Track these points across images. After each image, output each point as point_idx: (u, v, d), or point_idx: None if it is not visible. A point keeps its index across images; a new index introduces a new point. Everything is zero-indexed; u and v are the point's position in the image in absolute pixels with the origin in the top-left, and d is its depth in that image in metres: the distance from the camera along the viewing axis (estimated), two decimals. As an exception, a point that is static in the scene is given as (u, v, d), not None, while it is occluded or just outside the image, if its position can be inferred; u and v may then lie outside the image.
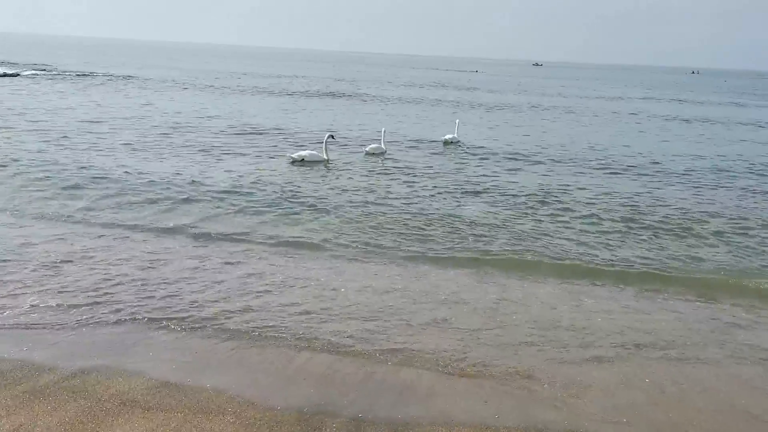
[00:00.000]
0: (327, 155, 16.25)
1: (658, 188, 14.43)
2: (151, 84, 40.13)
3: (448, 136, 19.52)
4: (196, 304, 7.01)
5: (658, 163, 18.01)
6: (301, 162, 15.83)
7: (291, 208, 11.31)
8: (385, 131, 18.50)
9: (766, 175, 16.77)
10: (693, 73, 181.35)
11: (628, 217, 11.49)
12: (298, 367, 5.77)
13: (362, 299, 7.43)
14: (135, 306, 6.88)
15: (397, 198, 12.45)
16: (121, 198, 11.36)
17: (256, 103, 31.64)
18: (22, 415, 4.78)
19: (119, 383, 5.29)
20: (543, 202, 12.41)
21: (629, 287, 8.16)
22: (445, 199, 12.54)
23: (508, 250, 9.34)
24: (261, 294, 7.42)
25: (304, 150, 16.62)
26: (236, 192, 12.30)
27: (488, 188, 13.54)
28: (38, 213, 10.21)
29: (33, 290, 7.15)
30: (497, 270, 8.57)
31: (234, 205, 11.32)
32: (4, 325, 6.31)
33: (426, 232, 10.09)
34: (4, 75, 38.83)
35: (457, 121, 20.50)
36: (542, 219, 11.16)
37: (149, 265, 8.15)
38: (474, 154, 17.99)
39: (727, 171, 17.15)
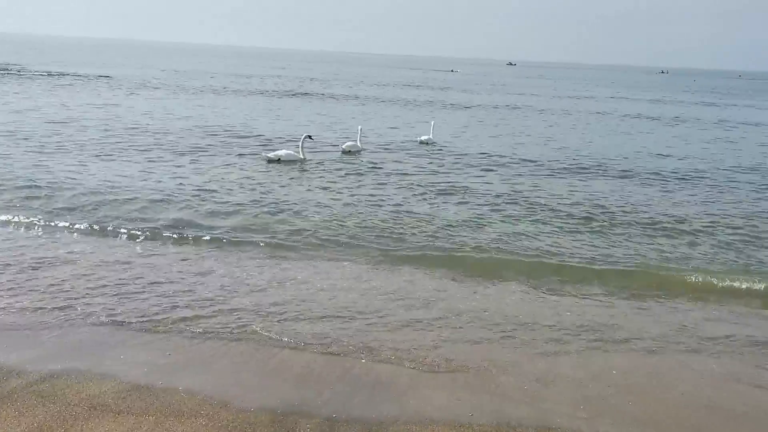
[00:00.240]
0: (303, 154, 16.23)
1: (627, 187, 14.60)
2: (124, 84, 39.49)
3: (423, 137, 19.65)
4: (169, 306, 6.95)
5: (627, 159, 18.35)
6: (278, 161, 15.78)
7: (266, 208, 11.24)
8: (361, 129, 18.61)
9: (734, 172, 17.15)
10: (662, 72, 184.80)
11: (596, 215, 11.65)
12: (273, 367, 5.76)
13: (337, 298, 7.44)
14: (106, 309, 6.79)
15: (372, 197, 12.47)
16: (88, 200, 11.15)
17: (233, 104, 31.36)
18: (-12, 422, 4.69)
19: (90, 387, 5.22)
20: (513, 202, 12.51)
21: (597, 283, 8.31)
22: (419, 198, 12.60)
23: (480, 248, 9.43)
24: (235, 295, 7.38)
25: (281, 149, 16.57)
26: (210, 193, 12.19)
27: (461, 188, 13.61)
28: (5, 218, 9.99)
29: (1, 293, 7.01)
30: (470, 268, 8.67)
31: (207, 206, 11.21)
32: (-30, 329, 6.18)
33: (401, 231, 10.12)
34: None
35: (432, 122, 20.63)
36: (512, 218, 11.27)
37: (120, 268, 8.06)
38: (448, 154, 18.07)
39: (687, 169, 17.44)
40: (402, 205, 11.97)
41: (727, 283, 8.30)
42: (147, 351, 5.94)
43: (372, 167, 15.78)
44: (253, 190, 12.70)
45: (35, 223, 9.71)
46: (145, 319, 6.61)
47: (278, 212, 11.01)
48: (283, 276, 8.12)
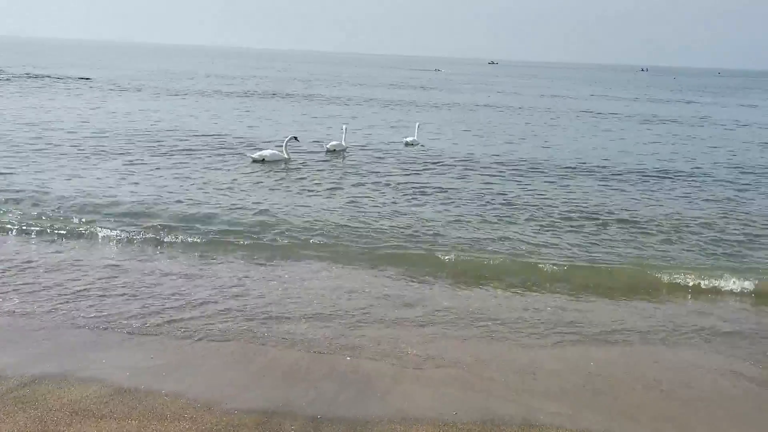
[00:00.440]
0: (287, 154, 16.20)
1: (606, 186, 14.60)
2: (105, 86, 39.11)
3: (408, 138, 19.80)
4: (152, 309, 6.91)
5: (607, 158, 18.46)
6: (262, 162, 15.75)
7: (250, 209, 11.21)
8: (346, 128, 18.65)
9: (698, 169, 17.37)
10: (642, 70, 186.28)
11: (574, 214, 11.71)
12: (257, 368, 5.74)
13: (321, 298, 7.46)
14: (88, 313, 6.73)
15: (355, 198, 12.47)
16: (68, 204, 11.04)
17: (218, 105, 31.18)
18: (-33, 429, 4.63)
19: (71, 392, 5.17)
20: (494, 202, 12.52)
21: (576, 280, 8.42)
22: (402, 198, 12.61)
23: (462, 247, 9.48)
24: (219, 297, 7.36)
25: (265, 150, 16.53)
26: (193, 194, 12.14)
27: (444, 188, 13.63)
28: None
29: (-21, 299, 6.94)
30: (452, 267, 8.71)
31: (191, 208, 11.16)
32: (-51, 336, 6.10)
33: (384, 231, 10.15)
34: None
35: (417, 123, 20.77)
36: (493, 217, 11.32)
37: (102, 272, 8.00)
38: (432, 155, 18.06)
39: (664, 167, 17.60)
40: (385, 204, 11.99)
41: (702, 278, 8.42)
42: (130, 354, 5.90)
43: (356, 167, 15.78)
44: (237, 191, 12.67)
45: (11, 228, 9.58)
46: (127, 322, 6.56)
47: (262, 213, 10.98)
48: (267, 277, 8.12)
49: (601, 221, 11.30)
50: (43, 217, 10.16)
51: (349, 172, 15.13)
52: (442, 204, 12.27)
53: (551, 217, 11.51)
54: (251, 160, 15.89)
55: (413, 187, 13.61)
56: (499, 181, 14.76)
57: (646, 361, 6.27)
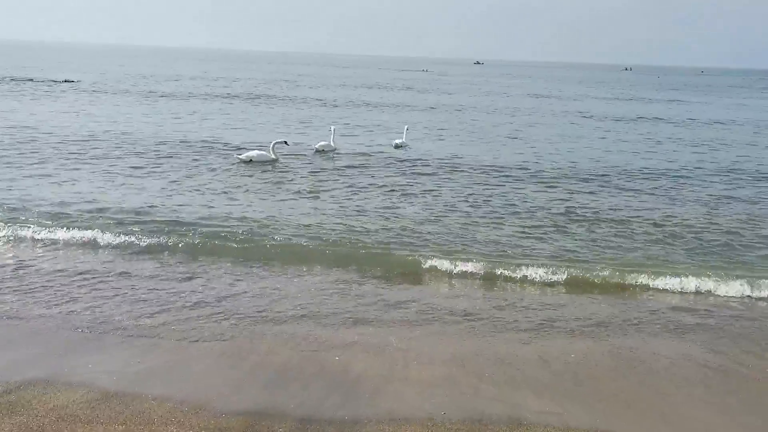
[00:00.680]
0: (275, 155, 16.20)
1: (587, 188, 14.61)
2: (89, 89, 38.80)
3: (397, 140, 19.88)
4: (138, 314, 6.89)
5: (593, 160, 18.56)
6: (249, 162, 15.73)
7: (237, 211, 11.18)
8: (334, 129, 18.72)
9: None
10: (626, 69, 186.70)
11: (557, 216, 11.78)
12: (245, 371, 5.74)
13: (309, 300, 7.47)
14: (74, 318, 6.70)
15: (344, 200, 12.48)
16: (54, 209, 10.96)
17: (204, 108, 31.04)
18: (-49, 436, 4.59)
19: (58, 397, 5.14)
20: (478, 202, 12.58)
21: (556, 278, 8.51)
22: (390, 200, 12.63)
23: (445, 247, 9.55)
24: (206, 300, 7.35)
25: (252, 150, 16.50)
26: (179, 197, 12.10)
27: (432, 190, 13.66)
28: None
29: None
30: (438, 269, 8.72)
31: (177, 210, 11.11)
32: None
33: (372, 233, 10.17)
34: None
35: (405, 127, 20.84)
36: (479, 219, 11.35)
37: (88, 277, 7.97)
38: (420, 157, 18.02)
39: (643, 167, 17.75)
40: (373, 206, 12.00)
41: (674, 276, 8.57)
42: (116, 359, 5.87)
43: (344, 169, 15.78)
44: (225, 192, 12.64)
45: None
46: (114, 326, 6.53)
47: (249, 215, 10.96)
48: (255, 279, 8.13)
49: (584, 221, 11.38)
50: (29, 222, 10.05)
51: (338, 174, 15.13)
52: (428, 206, 12.30)
53: (534, 217, 11.59)
54: (238, 160, 15.87)
55: (401, 189, 13.63)
56: (485, 183, 14.76)
57: (621, 354, 6.42)
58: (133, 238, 9.39)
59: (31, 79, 43.17)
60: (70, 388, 5.28)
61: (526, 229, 10.77)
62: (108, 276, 8.02)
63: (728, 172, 17.15)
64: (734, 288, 8.25)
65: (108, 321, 6.65)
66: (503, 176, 15.66)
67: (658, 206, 12.80)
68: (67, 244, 9.26)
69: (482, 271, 8.59)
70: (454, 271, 8.61)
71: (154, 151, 17.16)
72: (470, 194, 13.39)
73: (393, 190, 13.49)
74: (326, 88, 51.11)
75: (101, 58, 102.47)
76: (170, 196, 12.20)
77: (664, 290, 8.30)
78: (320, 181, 14.27)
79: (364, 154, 18.29)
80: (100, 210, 10.92)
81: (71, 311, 6.86)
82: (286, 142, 16.89)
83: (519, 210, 12.10)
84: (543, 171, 16.46)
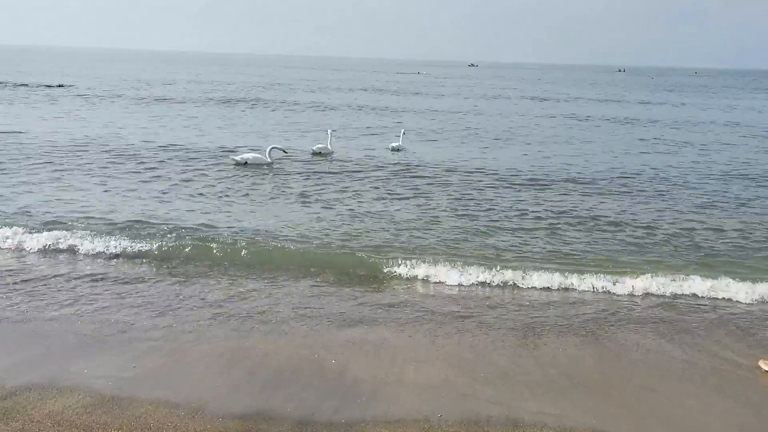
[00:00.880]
0: (270, 158, 16.22)
1: (589, 192, 14.70)
2: (84, 94, 38.73)
3: (394, 144, 19.97)
4: (134, 318, 6.88)
5: (588, 165, 18.61)
6: (245, 164, 15.75)
7: (233, 214, 11.20)
8: (331, 133, 18.83)
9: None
10: (619, 71, 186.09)
11: (550, 218, 11.84)
12: (242, 375, 5.73)
13: (306, 303, 7.48)
14: (69, 322, 6.68)
15: (339, 203, 12.49)
16: (48, 215, 10.94)
17: (197, 112, 31.02)
18: (-54, 443, 4.58)
19: (53, 403, 5.13)
20: (475, 208, 12.54)
21: (548, 280, 8.51)
22: (385, 203, 12.63)
23: (444, 251, 9.56)
24: (202, 304, 7.35)
25: (248, 153, 16.51)
26: (174, 200, 12.08)
27: (427, 193, 13.65)
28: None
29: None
30: (432, 271, 8.71)
31: (171, 213, 11.10)
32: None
33: (368, 236, 10.19)
34: None
35: (402, 130, 20.92)
36: (475, 222, 11.36)
37: (83, 283, 7.95)
38: (417, 161, 18.02)
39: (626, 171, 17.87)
40: (368, 209, 12.02)
41: (657, 275, 8.63)
42: (112, 363, 5.86)
43: (341, 172, 15.78)
44: (220, 196, 12.64)
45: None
46: (109, 331, 6.52)
47: (244, 218, 10.98)
48: (251, 283, 8.12)
49: (580, 224, 11.41)
50: (25, 226, 10.02)
51: (334, 177, 15.14)
52: (424, 209, 12.31)
53: (529, 219, 11.61)
54: (234, 162, 15.90)
55: (397, 193, 13.64)
56: (482, 187, 14.73)
57: (620, 354, 6.47)
58: (127, 243, 9.36)
59: (26, 84, 43.09)
60: (66, 394, 5.27)
61: (522, 231, 10.82)
62: (103, 280, 8.02)
63: (721, 174, 17.23)
64: (723, 287, 8.32)
65: (103, 325, 6.64)
66: (499, 179, 15.67)
67: (650, 207, 12.84)
68: (61, 249, 9.23)
69: (477, 273, 8.62)
70: (450, 274, 8.61)
71: (150, 156, 17.12)
72: (467, 197, 13.41)
73: (390, 194, 13.51)
74: (322, 91, 51.12)
75: (95, 63, 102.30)
76: (165, 200, 12.21)
77: (656, 291, 8.34)
78: (315, 184, 14.28)
79: (360, 157, 18.30)
80: (93, 214, 10.89)
81: (66, 316, 6.85)
82: (284, 150, 16.92)
83: (515, 213, 12.12)
84: (537, 174, 16.48)
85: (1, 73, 55.28)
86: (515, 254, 9.61)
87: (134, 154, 17.10)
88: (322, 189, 13.75)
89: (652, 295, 8.24)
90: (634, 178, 16.09)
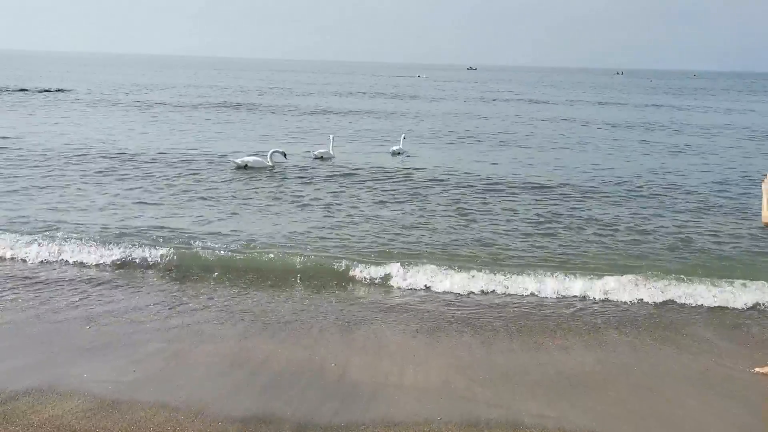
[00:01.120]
0: (271, 161, 16.24)
1: (588, 196, 14.69)
2: (84, 99, 38.77)
3: (395, 148, 20.03)
4: (133, 321, 6.88)
5: (586, 172, 18.63)
6: (245, 168, 15.76)
7: (233, 218, 11.21)
8: (333, 137, 18.92)
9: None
10: (617, 74, 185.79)
11: (551, 220, 11.84)
12: (242, 378, 5.73)
13: (305, 306, 7.49)
14: (68, 326, 6.68)
15: (339, 207, 12.50)
16: (46, 219, 10.95)
17: (195, 116, 31.06)
18: (-56, 448, 4.58)
19: (52, 407, 5.12)
20: (475, 209, 12.57)
21: (549, 281, 8.49)
22: (385, 207, 12.61)
23: (442, 254, 9.57)
24: (201, 308, 7.35)
25: (249, 156, 16.53)
26: (174, 204, 12.10)
27: (427, 197, 13.61)
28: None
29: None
30: (433, 273, 8.68)
31: (171, 218, 11.11)
32: (-74, 353, 6.02)
33: (366, 240, 10.19)
34: None
35: (402, 134, 20.96)
36: (474, 224, 11.37)
37: (82, 287, 7.96)
38: (417, 165, 18.00)
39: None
40: (368, 214, 12.00)
41: (653, 278, 8.59)
42: (112, 367, 5.86)
43: (342, 176, 15.76)
44: (220, 201, 12.63)
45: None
46: (108, 335, 6.51)
47: (244, 223, 10.98)
48: (250, 287, 8.13)
49: (578, 227, 11.38)
50: (22, 232, 10.03)
51: (335, 181, 15.12)
52: (424, 212, 12.28)
53: (529, 223, 11.59)
54: (235, 165, 15.91)
55: (397, 196, 13.63)
56: (483, 190, 14.72)
57: (620, 356, 6.46)
58: (126, 247, 9.34)
59: (25, 90, 43.13)
60: (65, 398, 5.26)
61: (521, 234, 10.81)
62: (102, 285, 8.02)
63: (719, 176, 17.23)
64: (721, 289, 8.31)
65: (103, 330, 6.64)
66: (500, 183, 15.67)
67: (648, 210, 12.84)
68: (59, 254, 9.21)
69: (477, 276, 8.62)
70: (449, 277, 8.61)
71: (149, 160, 17.14)
72: (468, 201, 13.40)
73: (390, 197, 13.51)
74: (321, 95, 51.19)
75: (95, 67, 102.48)
76: (165, 204, 12.22)
77: (655, 292, 8.30)
78: (317, 188, 14.26)
79: (361, 161, 18.31)
80: (92, 219, 10.91)
81: (66, 320, 6.85)
82: (284, 154, 16.94)
83: (514, 216, 12.11)
84: (536, 177, 16.47)
85: (0, 78, 55.32)
86: (514, 257, 9.62)
87: (134, 159, 17.12)
88: (322, 193, 13.76)
89: (651, 296, 8.23)
90: (632, 181, 16.07)
